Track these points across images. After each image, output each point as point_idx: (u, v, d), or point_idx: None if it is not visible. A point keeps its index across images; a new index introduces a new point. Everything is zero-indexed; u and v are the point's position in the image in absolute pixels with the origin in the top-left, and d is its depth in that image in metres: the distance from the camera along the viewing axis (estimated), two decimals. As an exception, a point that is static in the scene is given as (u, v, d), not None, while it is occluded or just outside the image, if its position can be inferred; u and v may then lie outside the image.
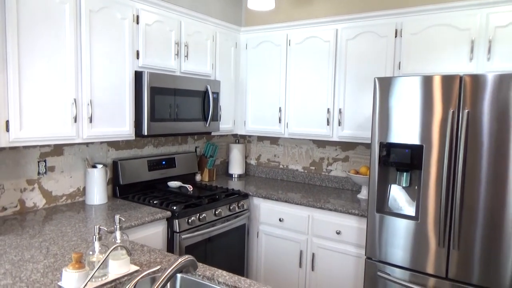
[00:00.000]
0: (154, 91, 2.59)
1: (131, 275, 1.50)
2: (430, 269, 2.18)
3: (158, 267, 1.08)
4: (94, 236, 1.43)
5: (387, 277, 2.30)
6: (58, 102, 2.13)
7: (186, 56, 2.92)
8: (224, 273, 1.54)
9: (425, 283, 2.20)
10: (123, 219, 2.24)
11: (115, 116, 2.46)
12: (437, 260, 2.16)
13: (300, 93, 3.17)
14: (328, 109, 3.02)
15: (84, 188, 2.66)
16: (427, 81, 2.16)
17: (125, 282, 1.47)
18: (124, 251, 1.52)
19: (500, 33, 2.37)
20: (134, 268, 1.55)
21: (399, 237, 2.27)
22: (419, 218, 2.21)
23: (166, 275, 1.06)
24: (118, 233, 1.52)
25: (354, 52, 2.89)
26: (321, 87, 3.06)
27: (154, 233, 2.36)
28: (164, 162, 3.09)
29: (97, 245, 1.44)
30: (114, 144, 2.84)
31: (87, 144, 2.66)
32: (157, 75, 2.61)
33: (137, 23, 2.55)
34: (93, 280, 1.42)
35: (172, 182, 3.05)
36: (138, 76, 2.56)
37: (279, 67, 3.27)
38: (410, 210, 2.29)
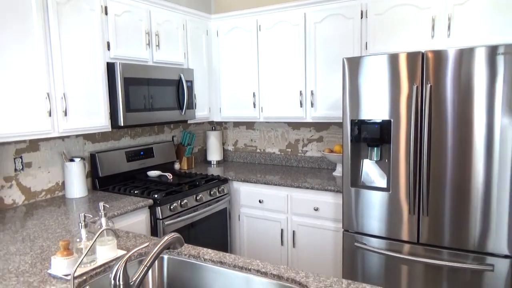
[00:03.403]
0: (127, 82, 2.59)
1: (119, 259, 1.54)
2: (403, 236, 2.32)
3: (147, 243, 1.14)
4: (80, 224, 1.46)
5: (364, 247, 2.43)
6: (31, 97, 2.12)
7: (158, 45, 2.93)
8: (210, 250, 1.61)
9: (400, 249, 2.34)
10: (108, 205, 2.29)
11: (90, 109, 2.46)
12: (409, 227, 2.30)
13: (273, 77, 3.23)
14: (301, 92, 3.10)
15: (63, 183, 2.65)
16: (393, 59, 2.26)
17: (114, 266, 1.51)
18: (110, 237, 1.56)
19: (458, 10, 2.50)
20: (121, 252, 1.60)
21: (373, 208, 2.40)
22: (390, 189, 2.34)
23: (155, 252, 1.11)
24: (103, 220, 1.56)
25: (323, 34, 2.97)
26: (292, 70, 3.13)
27: (137, 221, 2.40)
28: (142, 153, 3.11)
29: (83, 232, 1.48)
30: (90, 137, 2.84)
31: (62, 138, 2.65)
32: (129, 65, 2.61)
33: (106, 14, 2.54)
34: (82, 266, 1.47)
35: (151, 171, 3.08)
36: (110, 67, 2.56)
37: (250, 52, 3.32)
38: (382, 183, 2.42)
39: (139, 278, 1.07)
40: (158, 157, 3.25)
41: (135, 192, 2.62)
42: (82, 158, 2.66)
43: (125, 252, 1.60)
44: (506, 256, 2.06)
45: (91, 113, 2.47)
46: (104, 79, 2.54)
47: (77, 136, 2.74)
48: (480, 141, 2.08)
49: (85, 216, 1.48)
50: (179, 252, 1.62)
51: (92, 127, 2.48)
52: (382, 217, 2.37)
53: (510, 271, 2.05)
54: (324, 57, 2.99)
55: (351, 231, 2.50)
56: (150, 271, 1.62)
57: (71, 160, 2.62)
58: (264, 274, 1.42)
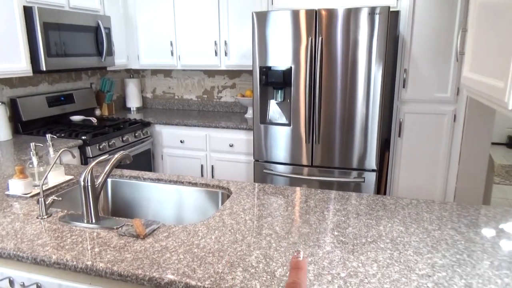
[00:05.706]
0: (47, 26, 2.64)
1: (68, 182, 1.81)
2: (301, 161, 2.89)
3: (107, 155, 1.43)
4: (32, 152, 1.68)
5: (271, 172, 2.96)
6: (-50, 39, 2.12)
7: (74, -9, 2.96)
8: (148, 172, 1.95)
9: (299, 172, 2.92)
10: (55, 136, 2.48)
11: (10, 52, 2.49)
12: (305, 153, 2.87)
13: (190, 27, 3.47)
14: (215, 41, 3.41)
15: (-16, 127, 2.68)
16: (294, 15, 2.69)
17: (64, 187, 1.78)
18: (59, 164, 1.81)
19: (346, -26, 2.98)
20: (69, 177, 1.86)
21: (278, 141, 2.91)
22: (291, 124, 2.85)
23: (112, 163, 1.42)
24: (51, 149, 1.79)
25: (235, -12, 3.27)
26: (208, 21, 3.40)
27: (68, 159, 2.59)
28: (62, 98, 3.19)
29: (34, 159, 1.70)
30: (8, 82, 2.85)
31: (-21, 83, 2.64)
32: (47, 10, 2.65)
33: (19, -45, 2.51)
34: (36, 188, 1.71)
35: (75, 116, 3.19)
36: (28, 11, 2.58)
37: (166, 2, 3.49)
38: (285, 119, 2.92)
39: (101, 183, 1.38)
40: (79, 103, 3.36)
41: (62, 134, 2.77)
42: (3, 103, 2.70)
43: (72, 177, 1.86)
44: (373, 170, 2.75)
45: (12, 57, 2.51)
46: (22, 23, 2.56)
47: (-6, 81, 2.74)
48: (361, 83, 2.65)
49: (35, 145, 1.70)
50: (121, 175, 1.93)
51: (13, 71, 2.53)
52: (284, 147, 2.91)
53: (376, 180, 2.75)
54: (236, 9, 3.31)
55: (261, 161, 3.01)
56: (95, 192, 1.91)
57: (-9, 104, 2.65)
58: (195, 184, 1.82)
